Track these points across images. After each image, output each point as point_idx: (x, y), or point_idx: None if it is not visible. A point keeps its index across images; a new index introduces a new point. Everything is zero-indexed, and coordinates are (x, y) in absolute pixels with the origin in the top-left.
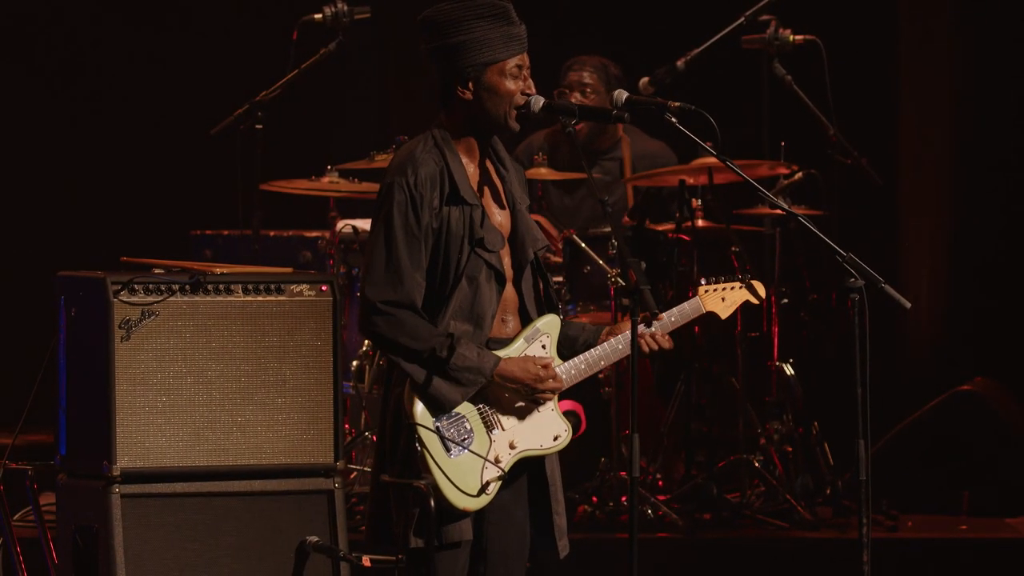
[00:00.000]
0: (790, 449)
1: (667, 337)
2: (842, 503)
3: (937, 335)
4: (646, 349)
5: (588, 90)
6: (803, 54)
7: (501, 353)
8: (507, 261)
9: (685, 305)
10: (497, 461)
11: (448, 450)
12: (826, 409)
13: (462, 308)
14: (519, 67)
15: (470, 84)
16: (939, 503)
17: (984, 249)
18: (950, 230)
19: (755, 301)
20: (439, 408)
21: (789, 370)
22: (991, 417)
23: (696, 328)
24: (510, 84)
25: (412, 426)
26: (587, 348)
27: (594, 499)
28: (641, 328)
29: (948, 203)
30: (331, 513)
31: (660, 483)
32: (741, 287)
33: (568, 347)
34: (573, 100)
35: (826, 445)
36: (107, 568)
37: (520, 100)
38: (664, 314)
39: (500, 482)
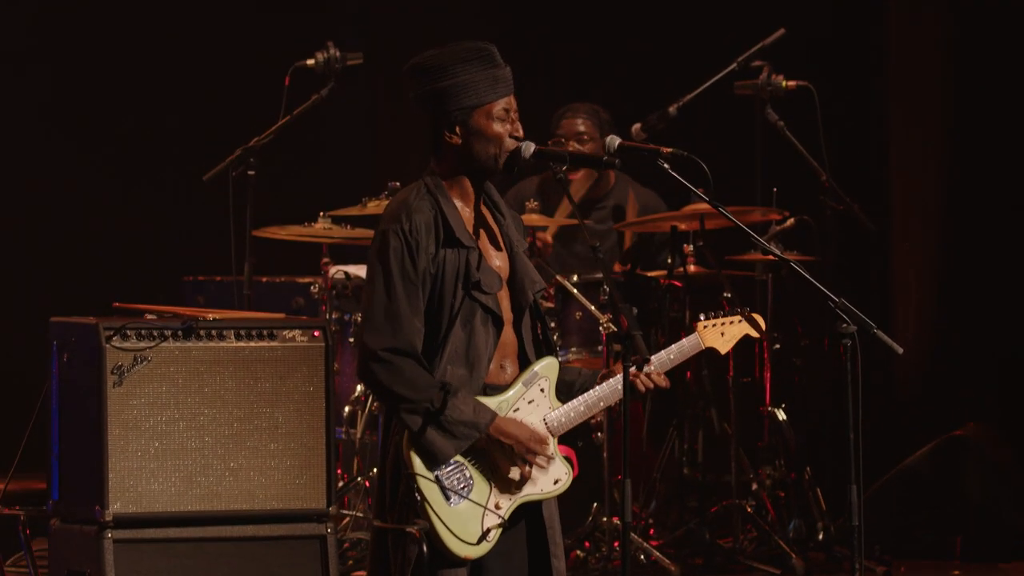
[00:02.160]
0: (782, 494)
1: (663, 376)
2: (835, 549)
3: (930, 380)
4: (642, 389)
5: (585, 138)
6: (796, 100)
7: (499, 398)
8: (505, 304)
9: (684, 342)
10: (497, 508)
11: (448, 499)
12: (818, 454)
13: (457, 352)
14: (506, 110)
15: (457, 128)
16: (932, 549)
17: (974, 294)
18: (940, 275)
19: (755, 334)
20: (433, 460)
21: (781, 415)
22: (984, 462)
23: (688, 373)
24: (497, 127)
25: (412, 476)
26: (583, 391)
27: (587, 544)
28: (635, 368)
29: (937, 248)
30: (323, 558)
31: (652, 529)
32: (740, 320)
33: (564, 392)
34: (570, 149)
35: (818, 490)
36: None
37: (510, 144)
38: (663, 351)
39: (501, 529)
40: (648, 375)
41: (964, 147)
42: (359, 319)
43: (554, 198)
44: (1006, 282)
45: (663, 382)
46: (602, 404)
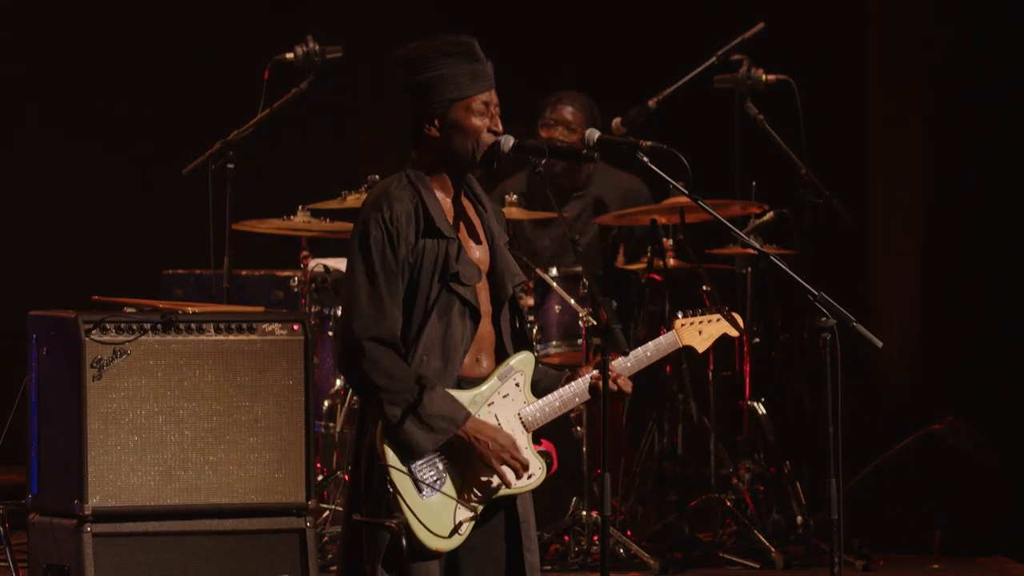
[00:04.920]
0: (762, 488)
1: (627, 381)
2: (814, 542)
3: (908, 374)
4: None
5: (573, 126)
6: (775, 93)
7: (474, 392)
8: (484, 297)
9: (661, 339)
10: (470, 501)
11: (420, 491)
12: (798, 448)
13: (433, 343)
14: (486, 104)
15: (436, 121)
16: (911, 542)
17: (955, 286)
18: (921, 268)
19: (734, 333)
20: (409, 453)
21: (761, 409)
22: (963, 456)
23: (668, 367)
24: (476, 121)
25: (384, 467)
26: (546, 392)
27: (566, 538)
28: (596, 371)
29: (919, 241)
30: (303, 552)
31: (632, 523)
32: (719, 319)
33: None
34: (558, 136)
35: (798, 484)
36: None
37: (488, 138)
38: (640, 348)
39: (473, 522)
40: (614, 380)
41: (946, 138)
42: (339, 311)
43: (540, 193)
44: (988, 274)
45: (626, 386)
46: (578, 400)
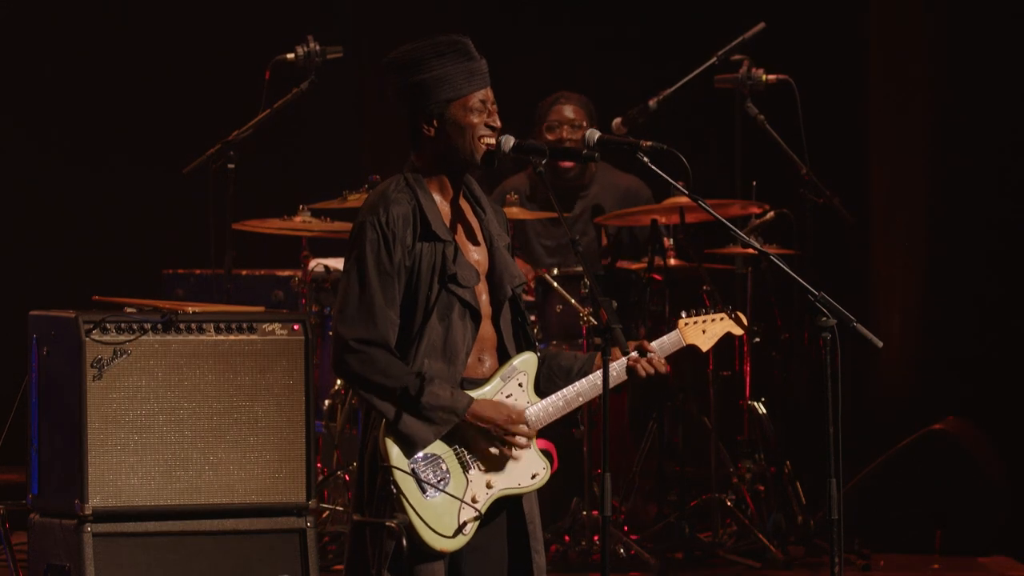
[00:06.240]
0: (762, 488)
1: (663, 361)
2: (814, 542)
3: (909, 374)
4: (643, 374)
5: (576, 123)
6: (776, 93)
7: (477, 393)
8: (484, 298)
9: (664, 339)
10: (474, 501)
11: (424, 492)
12: (798, 448)
13: (434, 345)
14: (483, 102)
15: (434, 122)
16: (912, 542)
17: (956, 287)
18: (922, 268)
19: (738, 332)
20: (411, 447)
21: (761, 409)
22: (963, 456)
23: (668, 367)
24: (474, 118)
25: (388, 468)
26: (583, 375)
27: (567, 538)
28: (635, 353)
29: (920, 241)
30: (303, 552)
31: (632, 522)
32: (723, 318)
33: (563, 377)
34: (564, 136)
35: (798, 484)
36: None
37: (485, 133)
38: None
39: (477, 522)
40: (649, 360)
41: (946, 137)
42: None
43: (542, 193)
44: (989, 273)
45: (663, 367)
46: (581, 399)
